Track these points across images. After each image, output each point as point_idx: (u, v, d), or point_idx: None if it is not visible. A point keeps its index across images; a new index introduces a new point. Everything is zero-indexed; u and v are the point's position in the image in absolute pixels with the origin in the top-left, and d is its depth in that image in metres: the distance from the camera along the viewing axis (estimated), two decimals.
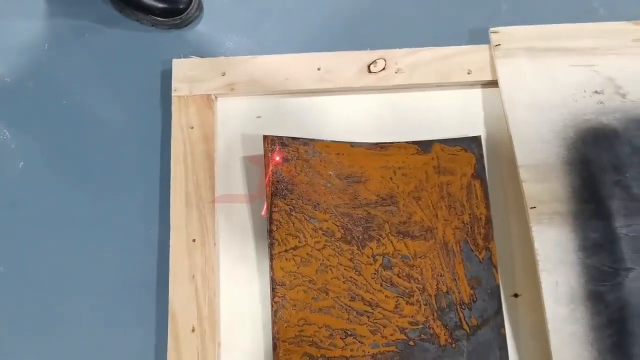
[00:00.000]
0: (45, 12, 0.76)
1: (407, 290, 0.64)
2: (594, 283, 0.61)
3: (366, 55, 0.72)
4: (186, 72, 0.71)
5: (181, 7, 0.74)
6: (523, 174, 0.66)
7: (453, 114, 0.72)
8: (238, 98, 0.72)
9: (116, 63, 0.74)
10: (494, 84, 0.72)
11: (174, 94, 0.70)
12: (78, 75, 0.73)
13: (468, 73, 0.72)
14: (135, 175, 0.69)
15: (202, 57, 0.72)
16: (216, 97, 0.71)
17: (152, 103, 0.72)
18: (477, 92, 0.73)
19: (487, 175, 0.68)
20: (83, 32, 0.75)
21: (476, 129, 0.71)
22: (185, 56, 0.72)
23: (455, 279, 0.64)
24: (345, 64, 0.72)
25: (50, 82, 0.73)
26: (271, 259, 0.63)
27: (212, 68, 0.71)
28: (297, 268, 0.64)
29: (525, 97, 0.70)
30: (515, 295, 0.65)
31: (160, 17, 0.74)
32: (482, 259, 0.65)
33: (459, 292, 0.64)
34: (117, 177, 0.69)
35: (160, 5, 0.73)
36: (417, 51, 0.73)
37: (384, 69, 0.72)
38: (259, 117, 0.71)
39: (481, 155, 0.69)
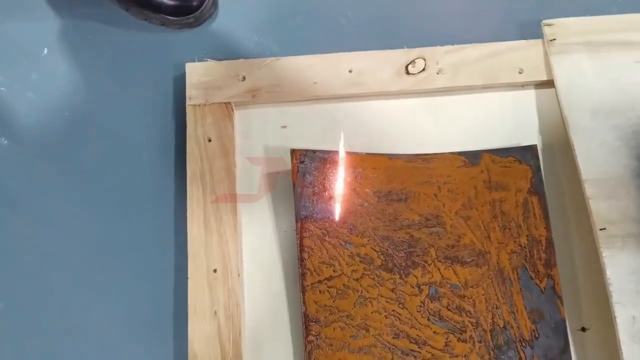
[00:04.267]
0: (44, 12, 0.68)
1: (458, 325, 0.56)
2: None
3: (403, 55, 0.64)
4: (201, 78, 0.63)
5: (194, 3, 0.65)
6: (589, 189, 0.57)
7: (504, 120, 0.63)
8: (260, 106, 0.63)
9: (123, 68, 0.66)
10: (549, 84, 0.63)
11: (188, 102, 0.62)
12: (81, 83, 0.65)
13: (519, 72, 0.63)
14: (147, 196, 0.61)
15: (218, 60, 0.64)
16: (236, 105, 0.63)
17: (164, 113, 0.64)
18: (531, 94, 0.64)
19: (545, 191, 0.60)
20: (86, 34, 0.67)
21: (531, 136, 0.63)
22: (200, 59, 0.64)
23: (513, 312, 0.56)
24: (380, 64, 0.63)
25: (51, 91, 0.65)
26: (303, 291, 0.56)
27: (230, 72, 0.63)
28: (333, 301, 0.56)
29: (587, 99, 0.61)
30: (583, 330, 0.57)
31: (171, 16, 0.66)
32: (544, 288, 0.57)
33: (518, 327, 0.56)
34: (126, 197, 0.61)
35: (171, 2, 0.65)
36: (461, 48, 0.64)
37: (423, 69, 0.63)
38: (284, 126, 0.63)
39: (538, 167, 0.60)
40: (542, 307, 0.56)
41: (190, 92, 0.62)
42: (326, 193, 0.59)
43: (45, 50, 0.67)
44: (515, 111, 0.64)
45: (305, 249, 0.57)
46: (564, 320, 0.56)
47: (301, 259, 0.57)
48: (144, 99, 0.65)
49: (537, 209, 0.59)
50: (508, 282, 0.57)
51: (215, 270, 0.56)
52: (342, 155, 0.60)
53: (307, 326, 0.55)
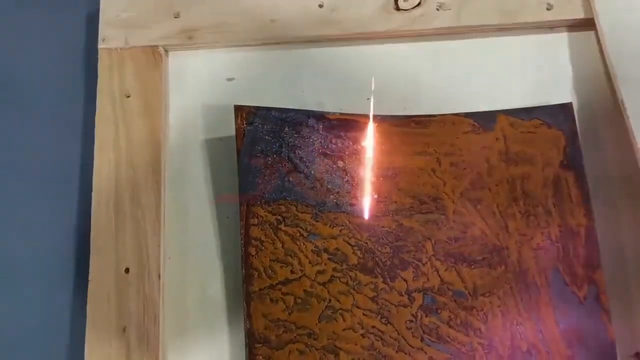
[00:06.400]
0: None
1: (464, 349, 0.40)
2: None
3: None
4: (121, 14, 0.47)
5: None
6: None
7: (526, 71, 0.48)
8: (199, 52, 0.48)
9: (24, 3, 0.50)
10: (587, 24, 0.48)
11: (101, 45, 0.46)
12: None
13: (547, 9, 0.48)
14: (46, 166, 0.46)
15: None
16: (166, 51, 0.47)
17: (72, 62, 0.48)
18: (562, 38, 0.49)
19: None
20: None
21: (563, 92, 0.47)
22: None
23: (540, 331, 0.40)
24: None
25: None
26: (247, 300, 0.40)
27: (160, 6, 0.48)
28: (289, 314, 0.40)
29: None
30: (638, 356, 0.41)
31: None
32: (584, 297, 0.41)
33: (548, 353, 0.40)
34: (20, 167, 0.46)
35: None
36: None
37: (419, 4, 0.48)
38: (231, 79, 0.48)
39: (574, 133, 0.45)
40: (582, 325, 0.40)
41: (104, 31, 0.47)
42: (283, 165, 0.43)
43: None
44: (542, 59, 0.48)
45: (252, 241, 0.41)
46: (612, 343, 0.40)
47: (246, 256, 0.41)
48: (48, 44, 0.49)
49: (573, 189, 0.43)
50: (533, 289, 0.41)
51: (127, 270, 0.41)
52: (307, 115, 0.44)
53: (252, 349, 0.39)
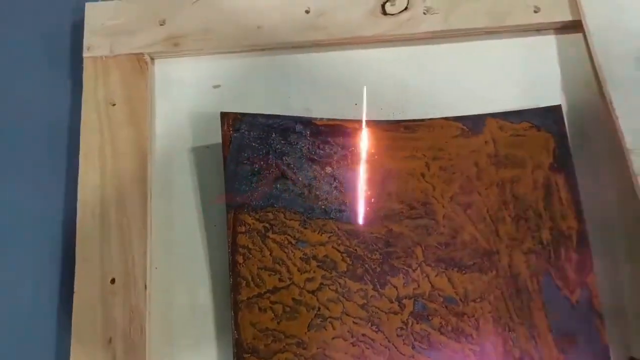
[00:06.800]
0: None
1: (455, 356, 0.39)
2: None
3: None
4: (106, 22, 0.47)
5: None
6: (637, 162, 0.41)
7: (514, 74, 0.47)
8: (185, 59, 0.48)
9: (8, 12, 0.50)
10: (574, 26, 0.48)
11: (86, 54, 0.46)
12: None
13: (535, 11, 0.48)
14: (30, 177, 0.46)
15: None
16: (152, 58, 0.47)
17: (57, 71, 0.48)
18: (550, 41, 0.48)
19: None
20: None
21: (552, 95, 0.46)
22: None
23: (533, 336, 0.40)
24: (348, 2, 0.48)
25: None
26: (235, 310, 0.40)
27: (146, 14, 0.47)
28: (278, 323, 0.40)
29: (630, 43, 0.46)
30: None
31: None
32: (576, 301, 0.40)
33: (540, 358, 0.39)
34: (3, 177, 0.46)
35: None
36: None
37: (406, 8, 0.48)
38: (217, 86, 0.47)
39: (563, 135, 0.44)
40: (575, 329, 0.40)
41: (89, 40, 0.46)
42: (270, 172, 0.43)
43: None
44: (531, 62, 0.48)
45: (240, 249, 0.41)
46: (606, 347, 0.39)
47: (234, 264, 0.41)
48: (33, 53, 0.49)
49: (563, 192, 0.43)
50: (525, 294, 0.41)
51: (112, 281, 0.40)
52: (294, 121, 0.44)
53: (241, 359, 0.39)
